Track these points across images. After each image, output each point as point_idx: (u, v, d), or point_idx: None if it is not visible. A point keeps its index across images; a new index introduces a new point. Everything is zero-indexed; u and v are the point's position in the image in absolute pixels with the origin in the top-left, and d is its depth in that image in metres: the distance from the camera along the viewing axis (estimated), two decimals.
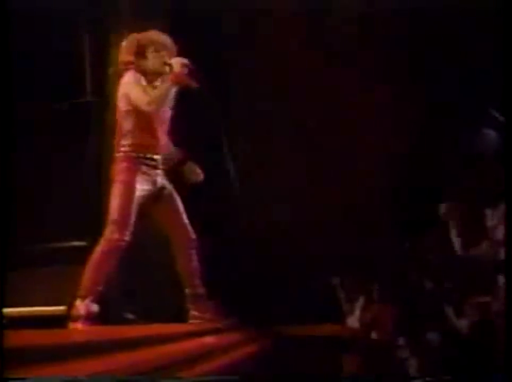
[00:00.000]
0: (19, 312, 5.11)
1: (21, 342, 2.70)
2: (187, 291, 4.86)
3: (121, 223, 4.57)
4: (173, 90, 4.67)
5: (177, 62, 4.64)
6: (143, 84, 4.67)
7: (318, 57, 6.95)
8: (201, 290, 4.84)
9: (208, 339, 4.27)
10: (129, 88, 4.66)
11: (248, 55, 7.04)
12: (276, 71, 6.98)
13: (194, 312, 4.85)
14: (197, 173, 4.99)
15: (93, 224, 5.10)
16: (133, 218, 4.61)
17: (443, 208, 5.54)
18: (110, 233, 4.58)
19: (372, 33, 6.85)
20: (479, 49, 6.52)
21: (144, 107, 4.59)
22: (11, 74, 5.78)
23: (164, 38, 4.81)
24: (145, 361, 3.07)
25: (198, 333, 4.33)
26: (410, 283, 5.28)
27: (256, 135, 7.02)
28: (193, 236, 4.85)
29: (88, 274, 4.55)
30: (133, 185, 4.63)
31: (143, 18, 5.80)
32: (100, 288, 4.55)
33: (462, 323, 4.66)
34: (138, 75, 4.70)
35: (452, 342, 4.62)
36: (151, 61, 4.75)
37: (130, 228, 4.59)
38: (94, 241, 4.67)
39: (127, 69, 4.73)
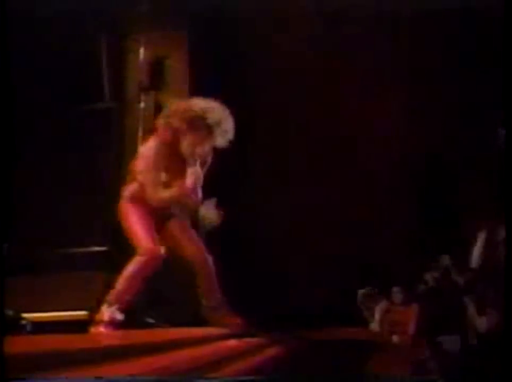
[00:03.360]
0: (40, 317, 5.13)
1: (43, 346, 2.72)
2: (204, 302, 4.83)
3: (150, 237, 4.55)
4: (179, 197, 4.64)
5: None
6: (160, 166, 4.58)
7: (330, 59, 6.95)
8: (218, 303, 4.79)
9: (231, 343, 4.26)
10: (142, 168, 4.65)
11: (266, 56, 7.04)
12: (284, 73, 6.99)
13: (211, 322, 4.81)
14: (214, 216, 4.89)
15: (113, 230, 5.10)
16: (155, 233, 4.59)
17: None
18: (145, 246, 4.55)
19: (373, 34, 6.85)
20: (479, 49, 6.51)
21: (150, 200, 4.59)
22: (29, 76, 5.85)
23: (215, 117, 4.55)
24: (167, 365, 3.07)
25: (220, 337, 4.33)
26: (429, 285, 5.26)
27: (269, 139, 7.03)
28: (210, 259, 4.80)
29: (122, 282, 4.52)
30: (142, 211, 4.63)
31: (161, 20, 5.82)
32: (130, 298, 4.54)
33: (482, 322, 4.64)
34: (160, 150, 4.61)
35: (472, 343, 4.61)
36: (184, 144, 4.65)
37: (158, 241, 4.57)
38: (114, 246, 4.66)
39: (156, 134, 4.67)
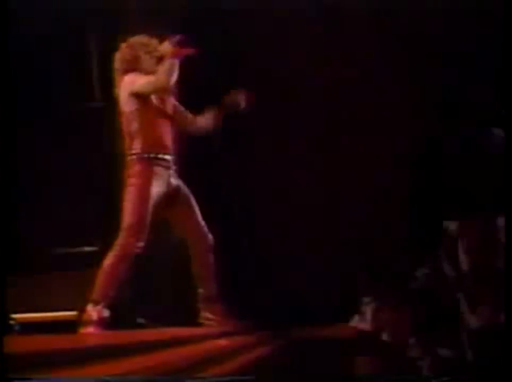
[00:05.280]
0: (31, 317, 5.12)
1: (33, 347, 2.70)
2: (200, 291, 4.84)
3: (136, 229, 4.54)
4: (177, 64, 4.66)
5: (166, 45, 4.68)
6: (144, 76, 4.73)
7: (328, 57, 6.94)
8: (215, 292, 4.82)
9: (221, 342, 4.25)
10: (133, 85, 4.69)
11: (260, 55, 7.03)
12: (291, 71, 6.98)
13: (205, 314, 4.83)
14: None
15: (104, 230, 5.09)
16: (147, 224, 4.58)
17: (452, 225, 5.46)
18: (124, 239, 4.54)
19: (372, 32, 6.85)
20: (479, 49, 6.52)
21: (159, 84, 4.61)
22: (19, 77, 5.85)
23: (152, 41, 4.85)
24: (158, 364, 3.07)
25: (211, 336, 4.32)
26: (421, 284, 5.26)
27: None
28: (210, 238, 4.84)
29: (101, 279, 4.52)
30: (147, 190, 4.60)
31: (152, 19, 5.82)
32: (113, 293, 4.53)
33: (475, 320, 4.65)
34: (137, 74, 4.74)
35: (466, 342, 4.60)
36: (146, 63, 4.78)
37: (145, 234, 4.57)
38: (105, 246, 4.65)
39: (125, 73, 4.76)
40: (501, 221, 4.94)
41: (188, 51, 4.65)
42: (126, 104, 4.73)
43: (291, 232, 6.65)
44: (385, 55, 6.86)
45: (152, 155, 4.67)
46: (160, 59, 4.70)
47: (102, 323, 4.43)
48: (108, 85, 5.90)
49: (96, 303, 4.47)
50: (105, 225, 4.94)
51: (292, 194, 6.91)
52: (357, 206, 6.79)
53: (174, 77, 4.62)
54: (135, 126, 4.70)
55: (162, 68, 4.62)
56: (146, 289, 5.54)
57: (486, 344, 4.48)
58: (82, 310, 4.53)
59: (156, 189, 4.63)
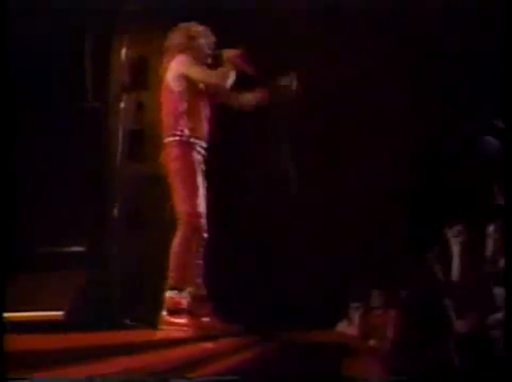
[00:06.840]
0: (21, 316, 5.13)
1: (24, 346, 2.73)
2: (189, 290, 4.80)
3: (196, 215, 4.52)
4: (233, 73, 4.72)
5: (229, 51, 4.74)
6: (198, 64, 4.76)
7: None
8: (203, 291, 4.77)
9: (209, 344, 4.26)
10: (187, 68, 4.71)
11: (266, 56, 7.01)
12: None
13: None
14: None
15: (93, 229, 5.10)
16: (204, 207, 4.54)
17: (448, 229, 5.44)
18: (185, 226, 4.49)
19: (372, 32, 6.83)
20: (479, 49, 6.49)
21: (215, 80, 4.65)
22: (23, 76, 5.88)
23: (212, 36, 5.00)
24: (145, 365, 3.08)
25: (198, 338, 4.33)
26: (411, 288, 5.24)
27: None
28: (205, 234, 4.79)
29: (175, 266, 4.49)
30: (196, 175, 4.59)
31: (152, 19, 5.84)
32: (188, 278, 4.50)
33: (463, 325, 4.64)
34: (191, 57, 4.77)
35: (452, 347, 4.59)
36: (202, 51, 4.87)
37: (204, 218, 4.53)
38: (92, 246, 4.66)
39: (178, 51, 4.79)
40: (490, 227, 4.94)
41: (247, 67, 4.73)
42: (173, 82, 4.74)
43: (283, 233, 6.64)
44: (385, 55, 6.83)
45: (193, 141, 4.67)
46: (214, 57, 4.76)
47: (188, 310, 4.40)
48: (108, 85, 5.92)
49: (180, 290, 4.43)
50: (94, 225, 4.94)
51: (293, 194, 6.89)
52: (357, 206, 6.77)
53: (229, 84, 4.68)
54: (183, 106, 4.71)
55: (223, 70, 4.67)
56: (133, 289, 5.54)
57: (474, 349, 4.46)
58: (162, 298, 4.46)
59: (200, 176, 4.64)
